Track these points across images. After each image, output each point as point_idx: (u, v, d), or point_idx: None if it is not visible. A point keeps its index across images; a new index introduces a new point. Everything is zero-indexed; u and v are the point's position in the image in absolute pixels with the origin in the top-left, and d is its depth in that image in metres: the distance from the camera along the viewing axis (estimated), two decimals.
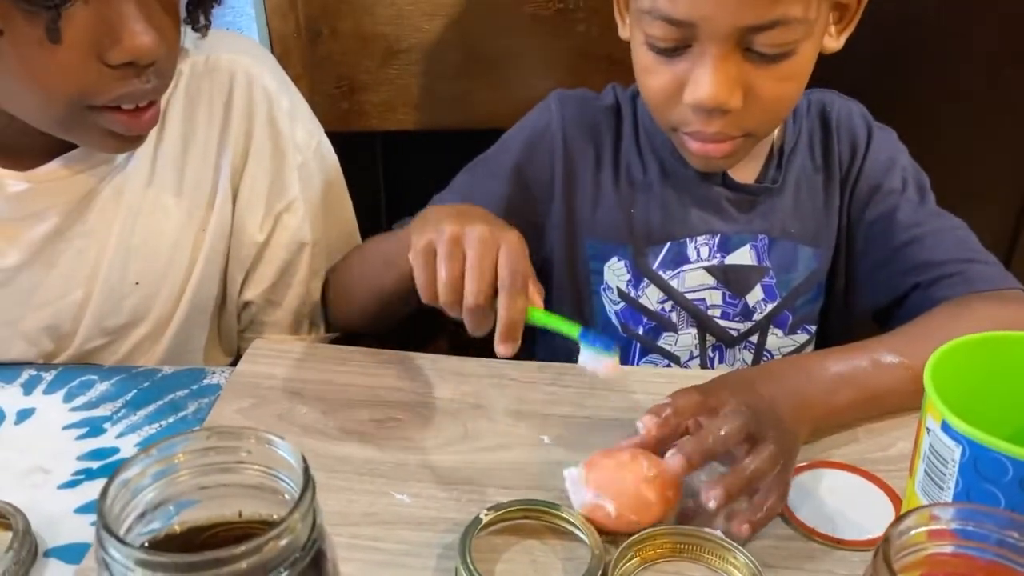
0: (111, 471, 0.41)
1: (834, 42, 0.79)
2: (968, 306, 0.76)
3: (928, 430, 0.46)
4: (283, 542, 0.38)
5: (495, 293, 0.62)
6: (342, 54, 1.06)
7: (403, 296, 0.75)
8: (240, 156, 0.84)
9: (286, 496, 0.43)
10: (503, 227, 0.65)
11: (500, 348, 0.61)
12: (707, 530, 0.58)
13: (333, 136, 0.93)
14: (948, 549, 0.42)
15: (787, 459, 0.62)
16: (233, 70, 0.83)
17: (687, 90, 0.74)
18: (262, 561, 0.38)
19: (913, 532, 0.41)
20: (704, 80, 0.72)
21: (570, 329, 0.63)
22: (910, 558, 0.41)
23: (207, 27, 0.76)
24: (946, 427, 0.44)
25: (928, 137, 0.92)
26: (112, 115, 0.70)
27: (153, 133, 0.80)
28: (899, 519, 0.40)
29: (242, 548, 0.37)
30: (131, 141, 0.74)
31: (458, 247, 0.63)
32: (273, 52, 1.04)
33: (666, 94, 0.76)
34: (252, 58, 0.85)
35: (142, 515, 0.42)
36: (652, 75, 0.77)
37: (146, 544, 0.42)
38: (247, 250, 0.86)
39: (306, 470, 0.41)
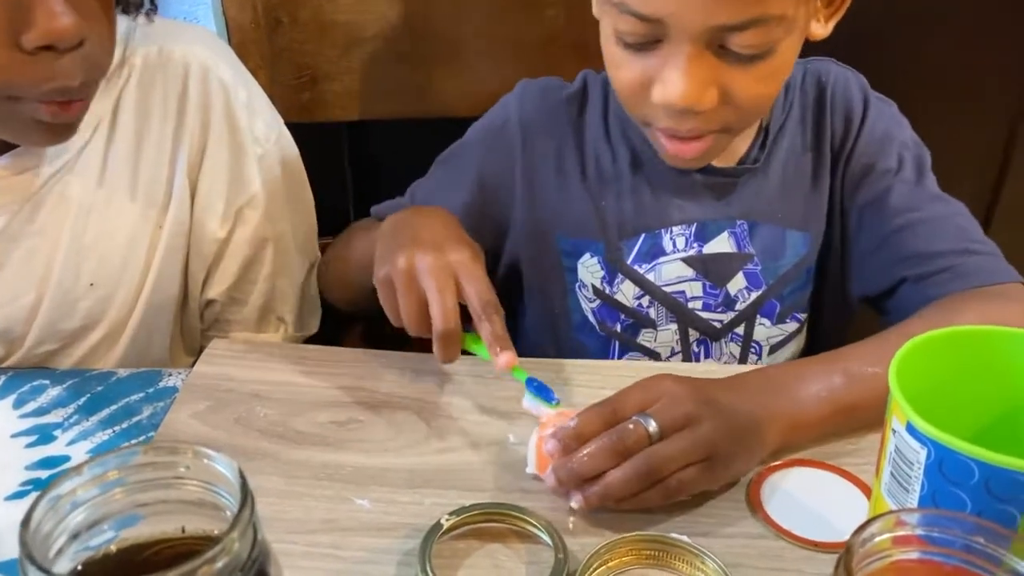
0: None
1: (822, 29, 0.75)
2: (957, 307, 0.71)
3: (893, 431, 0.45)
4: (220, 563, 0.36)
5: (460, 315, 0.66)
6: (302, 43, 1.03)
7: None
8: (197, 150, 0.81)
9: (228, 512, 0.41)
10: (454, 245, 0.68)
11: (502, 359, 0.64)
12: (674, 535, 0.56)
13: (296, 128, 0.91)
14: (914, 555, 0.40)
15: (719, 457, 0.59)
16: (187, 61, 0.80)
17: (656, 89, 0.70)
18: None
19: (878, 539, 0.39)
20: (674, 80, 0.68)
21: (518, 373, 0.66)
22: (875, 565, 0.40)
23: (152, 12, 0.73)
24: (911, 429, 0.43)
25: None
26: (37, 104, 0.66)
27: (104, 128, 0.78)
28: (862, 527, 0.39)
29: (173, 572, 0.35)
30: (60, 132, 0.71)
31: (413, 280, 0.66)
32: (231, 43, 1.01)
33: (635, 89, 0.73)
34: (207, 49, 0.82)
35: (75, 536, 0.40)
36: (621, 69, 0.73)
37: (79, 567, 0.40)
38: (208, 247, 0.84)
39: (243, 486, 0.39)
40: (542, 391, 0.65)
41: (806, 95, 0.84)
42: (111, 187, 0.79)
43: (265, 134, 0.85)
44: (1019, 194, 1.36)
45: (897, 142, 0.83)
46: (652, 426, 0.58)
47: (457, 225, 0.74)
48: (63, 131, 0.71)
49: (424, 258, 0.66)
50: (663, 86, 0.69)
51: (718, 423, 0.59)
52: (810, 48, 0.79)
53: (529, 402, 0.65)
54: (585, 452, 0.58)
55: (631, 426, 0.58)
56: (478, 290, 0.66)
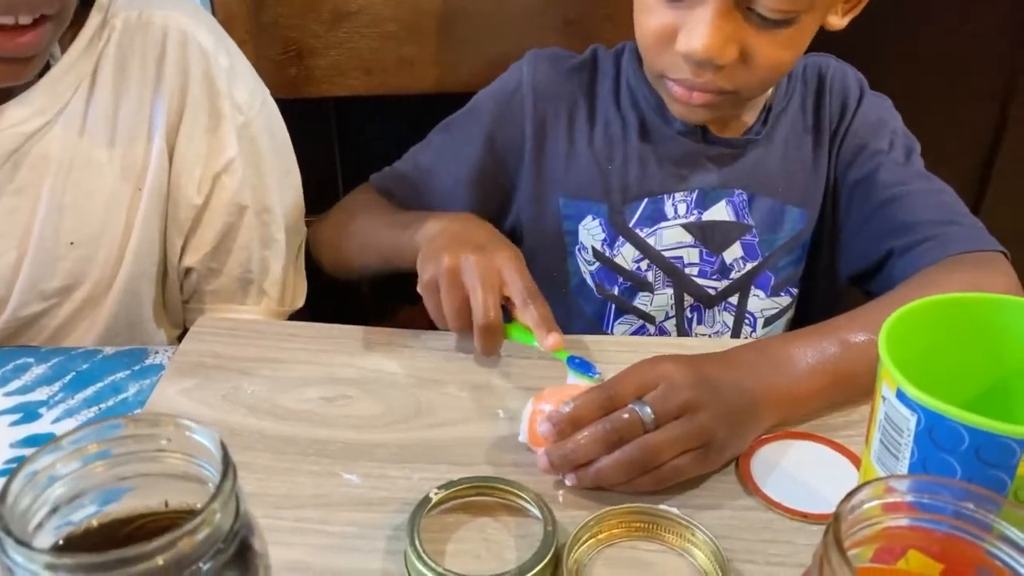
0: None
1: (838, 20, 0.79)
2: (940, 275, 0.73)
3: (883, 398, 0.44)
4: (201, 535, 0.36)
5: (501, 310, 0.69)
6: (288, 18, 1.02)
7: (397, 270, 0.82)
8: (175, 113, 0.81)
9: (211, 485, 0.41)
10: (497, 246, 0.72)
11: (550, 340, 0.67)
12: (664, 507, 0.56)
13: (282, 103, 0.90)
14: (903, 522, 0.40)
15: (714, 445, 0.59)
16: (166, 26, 0.80)
17: (680, 38, 0.74)
18: (179, 556, 0.35)
19: (867, 506, 0.39)
20: (699, 31, 0.72)
21: (558, 353, 0.67)
22: (864, 532, 0.40)
23: None
24: (901, 395, 0.43)
25: (887, 93, 0.91)
26: None
27: (85, 88, 0.78)
28: (851, 493, 0.38)
29: (154, 544, 0.34)
30: (12, 67, 0.70)
31: (457, 278, 0.69)
32: (215, 16, 1.00)
33: (660, 38, 0.76)
34: (187, 16, 0.82)
35: (55, 510, 0.39)
36: (651, 15, 0.76)
37: (60, 542, 0.40)
38: (185, 212, 0.83)
39: (225, 457, 0.38)
40: (583, 367, 0.65)
41: (807, 83, 0.89)
42: (90, 147, 0.79)
43: (248, 102, 0.84)
44: (1010, 174, 1.36)
45: (889, 128, 0.86)
46: (648, 414, 0.58)
47: (494, 229, 0.78)
48: (19, 66, 0.71)
49: (469, 257, 0.69)
50: (688, 36, 0.73)
51: (715, 411, 0.59)
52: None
53: (573, 380, 0.65)
54: (578, 439, 0.58)
55: (626, 415, 0.58)
56: (523, 281, 0.69)
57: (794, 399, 0.64)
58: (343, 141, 1.18)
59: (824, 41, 0.88)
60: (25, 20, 0.68)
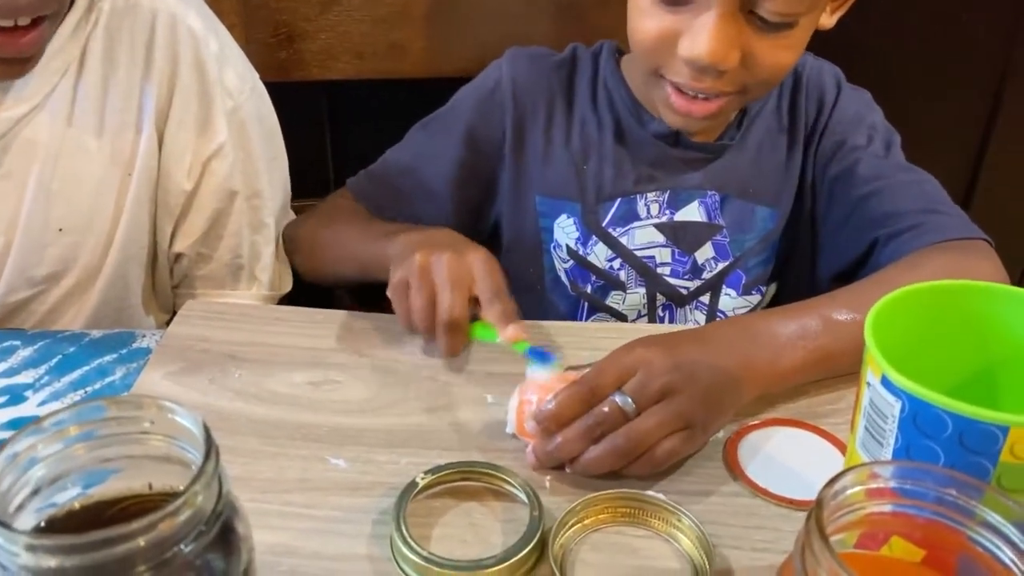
0: None
1: (827, 18, 0.78)
2: (925, 257, 0.73)
3: (868, 384, 0.44)
4: (182, 517, 0.36)
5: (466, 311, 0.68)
6: (279, 1, 1.01)
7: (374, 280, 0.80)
8: (164, 98, 0.80)
9: (194, 467, 0.41)
10: (469, 248, 0.71)
11: (509, 330, 0.66)
12: (650, 493, 0.56)
13: (273, 87, 0.90)
14: (887, 508, 0.40)
15: (697, 425, 0.59)
16: (155, 9, 0.80)
17: (683, 43, 0.72)
18: (160, 538, 0.35)
19: (850, 491, 0.39)
20: (703, 36, 0.70)
21: (518, 345, 0.66)
22: (848, 518, 0.40)
23: None
24: (886, 382, 0.43)
25: (879, 85, 0.91)
26: None
27: (72, 73, 0.77)
28: (833, 479, 0.38)
29: (134, 525, 0.34)
30: (12, 67, 0.70)
31: (428, 276, 0.68)
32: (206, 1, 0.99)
33: (659, 42, 0.74)
34: None
35: (36, 491, 0.39)
36: (648, 19, 0.74)
37: (43, 523, 0.39)
38: (175, 198, 0.83)
39: (207, 438, 0.38)
40: (542, 356, 0.65)
41: (782, 84, 0.88)
42: (78, 132, 0.78)
43: (237, 87, 0.83)
44: (1001, 167, 1.36)
45: (867, 123, 0.86)
46: (628, 404, 0.58)
47: (468, 239, 0.76)
48: (15, 66, 0.71)
49: (440, 255, 0.68)
50: (691, 41, 0.71)
51: (693, 392, 0.59)
52: None
53: (531, 371, 0.65)
54: (563, 437, 0.58)
55: (606, 408, 0.58)
56: (492, 279, 0.68)
57: (774, 373, 0.64)
58: (333, 125, 1.18)
59: (816, 33, 0.88)
60: (24, 22, 0.68)
